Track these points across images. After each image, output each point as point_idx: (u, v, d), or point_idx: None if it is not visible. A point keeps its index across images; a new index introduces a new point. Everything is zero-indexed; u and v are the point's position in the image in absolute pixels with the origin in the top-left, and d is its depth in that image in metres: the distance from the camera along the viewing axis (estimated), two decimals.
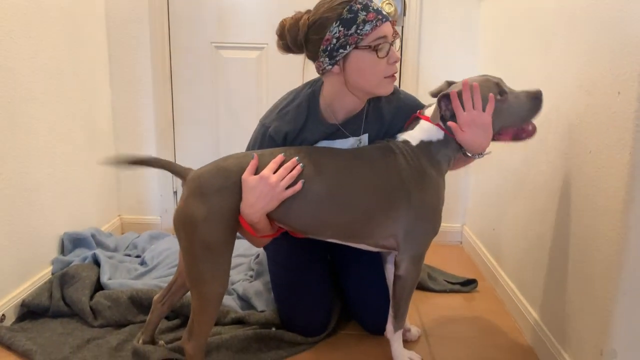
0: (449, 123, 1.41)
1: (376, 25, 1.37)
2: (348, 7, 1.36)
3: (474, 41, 2.47)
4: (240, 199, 1.32)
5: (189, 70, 2.58)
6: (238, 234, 1.39)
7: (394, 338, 1.53)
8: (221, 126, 2.64)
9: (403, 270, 1.44)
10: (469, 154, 1.43)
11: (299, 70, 2.53)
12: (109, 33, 2.48)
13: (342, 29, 1.37)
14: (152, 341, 1.55)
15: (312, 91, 1.57)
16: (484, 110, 1.38)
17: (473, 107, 1.38)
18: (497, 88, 1.41)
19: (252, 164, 1.33)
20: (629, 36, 1.15)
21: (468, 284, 2.08)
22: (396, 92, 1.60)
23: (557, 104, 1.53)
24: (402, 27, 2.48)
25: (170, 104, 2.60)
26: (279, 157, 1.35)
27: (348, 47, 1.38)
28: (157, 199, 2.67)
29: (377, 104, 1.57)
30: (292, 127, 1.52)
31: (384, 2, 2.40)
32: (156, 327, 1.56)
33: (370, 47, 1.37)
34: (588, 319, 1.29)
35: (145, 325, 1.55)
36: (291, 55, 2.51)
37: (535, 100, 1.42)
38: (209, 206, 1.28)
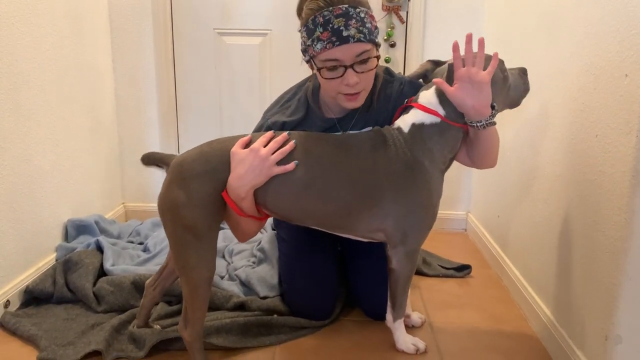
0: (435, 80, 1.33)
1: (325, 48, 1.31)
2: (313, 16, 1.32)
3: (479, 26, 2.44)
4: (222, 183, 1.31)
5: (191, 57, 2.57)
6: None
7: (395, 326, 1.52)
8: (224, 112, 2.63)
9: (396, 264, 1.43)
10: (467, 121, 1.34)
11: (302, 57, 2.52)
12: (112, 19, 2.47)
13: (305, 35, 1.37)
14: (146, 325, 1.56)
15: (313, 84, 1.55)
16: (485, 69, 1.29)
17: (473, 64, 1.28)
18: (503, 66, 1.38)
19: (243, 140, 1.33)
20: (636, 17, 1.12)
21: (462, 270, 2.08)
22: (396, 80, 1.54)
23: (564, 87, 1.51)
24: (407, 12, 2.45)
25: (173, 90, 2.59)
26: (269, 133, 1.34)
27: (307, 55, 1.40)
28: (161, 187, 2.66)
29: (374, 99, 1.52)
30: (291, 118, 1.51)
31: None
32: (149, 312, 1.57)
33: (319, 69, 1.36)
34: (593, 305, 1.28)
35: (139, 310, 1.56)
36: (294, 42, 2.51)
37: (524, 77, 1.44)
38: (189, 191, 1.27)
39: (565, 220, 1.47)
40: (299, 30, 1.40)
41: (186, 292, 1.32)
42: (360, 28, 1.30)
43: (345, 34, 1.29)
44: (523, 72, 1.44)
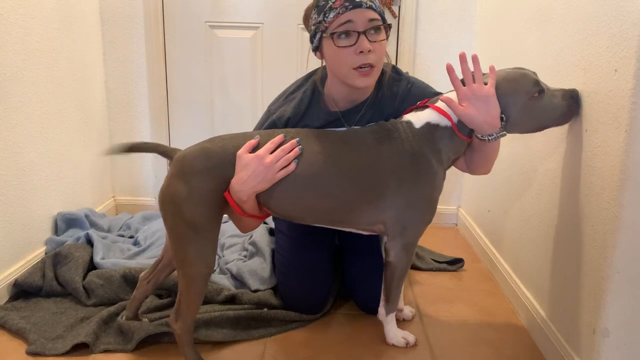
0: (442, 97, 1.36)
1: (339, 13, 1.33)
2: None
3: (470, 21, 2.45)
4: (223, 180, 1.31)
5: (183, 50, 2.55)
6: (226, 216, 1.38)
7: (387, 320, 1.53)
8: (215, 106, 2.62)
9: (393, 257, 1.43)
10: (478, 135, 1.35)
11: (293, 51, 2.53)
12: (102, 12, 2.45)
13: (316, 15, 1.39)
14: (136, 317, 1.56)
15: (319, 77, 1.55)
16: (486, 83, 1.31)
17: (474, 80, 1.30)
18: (535, 86, 1.32)
19: (251, 143, 1.32)
20: (626, 13, 1.13)
21: (455, 263, 2.10)
22: (404, 79, 1.54)
23: (554, 82, 1.51)
24: (399, 6, 2.45)
25: (164, 83, 2.57)
26: (279, 138, 1.33)
27: (318, 34, 1.40)
28: (152, 180, 2.66)
29: (380, 94, 1.52)
30: (295, 112, 1.51)
31: None
32: (140, 304, 1.56)
33: (332, 35, 1.36)
34: (581, 298, 1.29)
35: (130, 301, 1.55)
36: (286, 36, 2.51)
37: (571, 99, 1.33)
38: (190, 186, 1.27)
39: (555, 214, 1.48)
40: (310, 18, 1.43)
41: (182, 286, 1.32)
42: None
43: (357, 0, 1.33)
44: (571, 95, 1.33)
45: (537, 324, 1.55)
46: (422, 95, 1.49)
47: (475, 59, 1.32)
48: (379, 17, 1.36)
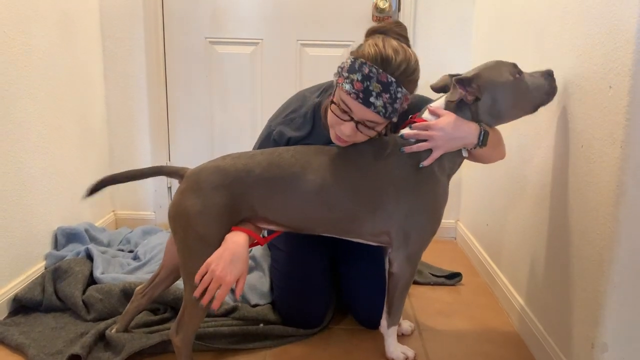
0: (430, 108, 1.43)
1: (349, 94, 1.29)
2: (364, 62, 1.28)
3: (467, 37, 2.48)
4: (235, 197, 1.34)
5: (183, 66, 2.57)
6: None
7: (388, 333, 1.53)
8: (215, 121, 2.64)
9: (396, 268, 1.44)
10: (471, 150, 1.41)
11: (293, 66, 2.55)
12: (103, 28, 2.47)
13: (349, 64, 1.32)
14: (126, 331, 1.56)
15: (319, 101, 1.57)
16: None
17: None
18: (514, 67, 1.40)
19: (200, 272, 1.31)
20: (620, 31, 1.15)
21: (453, 277, 2.11)
22: None
23: None
24: None
25: (164, 99, 2.59)
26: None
27: (335, 82, 1.37)
28: (152, 195, 2.67)
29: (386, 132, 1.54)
30: (296, 134, 1.55)
31: None
32: (132, 318, 1.57)
33: (333, 100, 1.36)
34: (579, 313, 1.30)
35: (122, 314, 1.56)
36: (286, 52, 2.53)
37: (549, 77, 1.41)
38: (205, 201, 1.30)
39: (553, 229, 1.49)
40: (351, 52, 1.36)
41: (188, 299, 1.33)
42: (387, 105, 1.30)
43: (371, 100, 1.29)
44: (548, 73, 1.42)
45: (535, 338, 1.56)
46: (416, 106, 1.51)
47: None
48: (379, 122, 1.34)
